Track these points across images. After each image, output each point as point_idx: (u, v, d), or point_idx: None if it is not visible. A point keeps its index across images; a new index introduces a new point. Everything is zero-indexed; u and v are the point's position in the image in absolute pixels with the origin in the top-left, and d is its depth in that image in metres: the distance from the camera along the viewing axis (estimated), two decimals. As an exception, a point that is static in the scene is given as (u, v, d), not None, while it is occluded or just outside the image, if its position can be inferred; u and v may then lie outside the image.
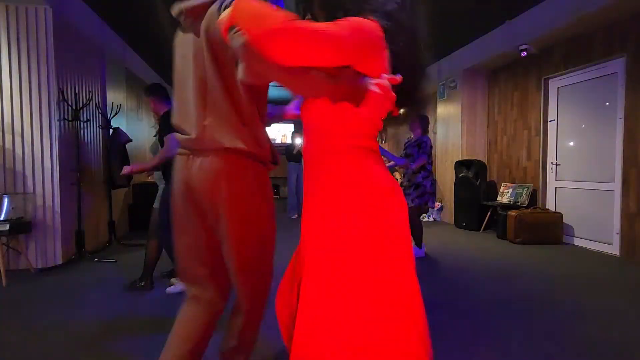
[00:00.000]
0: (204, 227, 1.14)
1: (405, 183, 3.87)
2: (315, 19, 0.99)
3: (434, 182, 3.84)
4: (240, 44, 0.78)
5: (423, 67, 1.03)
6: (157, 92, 2.79)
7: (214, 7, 1.03)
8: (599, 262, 3.58)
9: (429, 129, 7.24)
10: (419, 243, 3.79)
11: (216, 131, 1.05)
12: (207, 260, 1.16)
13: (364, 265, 0.86)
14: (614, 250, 3.82)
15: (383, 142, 9.81)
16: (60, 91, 3.43)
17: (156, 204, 2.82)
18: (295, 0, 1.04)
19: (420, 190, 3.73)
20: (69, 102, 3.59)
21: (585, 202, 4.23)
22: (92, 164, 4.08)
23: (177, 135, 1.15)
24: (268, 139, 1.14)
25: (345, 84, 0.86)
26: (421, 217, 6.36)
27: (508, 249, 4.12)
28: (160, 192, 2.84)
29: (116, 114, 4.35)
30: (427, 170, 3.78)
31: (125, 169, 2.69)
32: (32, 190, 3.33)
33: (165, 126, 2.63)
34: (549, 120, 4.70)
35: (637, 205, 3.56)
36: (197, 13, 1.06)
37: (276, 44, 0.73)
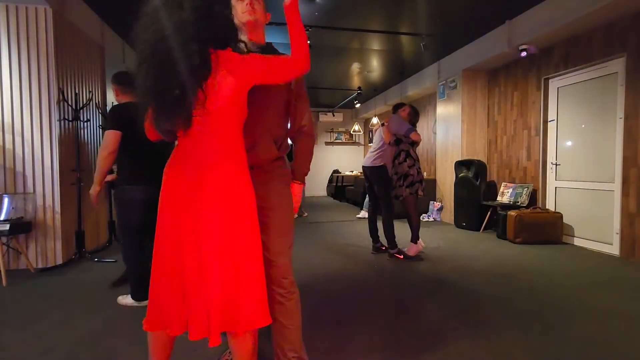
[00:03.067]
0: None
1: (394, 176, 3.88)
2: None
3: (420, 170, 3.86)
4: None
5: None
6: (119, 81, 2.54)
7: None
8: (599, 262, 3.58)
9: (430, 128, 7.26)
10: (414, 238, 3.83)
11: None
12: None
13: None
14: (614, 250, 3.82)
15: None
16: (60, 91, 3.43)
17: None
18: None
19: (408, 179, 3.78)
20: (69, 102, 3.59)
21: (585, 202, 4.23)
22: (92, 164, 4.08)
23: None
24: None
25: None
26: (421, 216, 6.38)
27: (508, 249, 4.12)
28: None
29: (116, 114, 4.35)
30: (412, 158, 3.83)
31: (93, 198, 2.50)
32: (32, 190, 3.33)
33: (110, 118, 2.40)
34: (549, 120, 4.70)
35: (637, 205, 3.56)
36: None
37: None
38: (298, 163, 1.54)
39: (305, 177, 1.56)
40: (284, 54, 1.50)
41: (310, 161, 1.56)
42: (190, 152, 1.22)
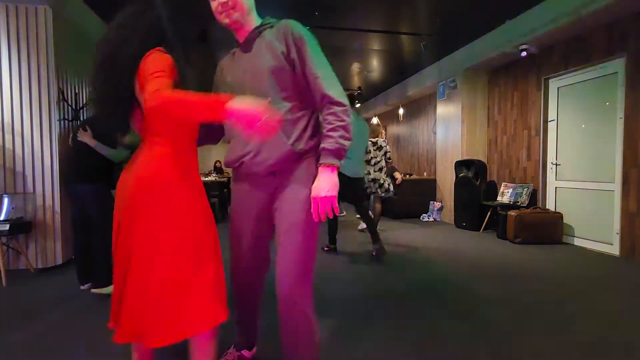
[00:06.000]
0: None
1: None
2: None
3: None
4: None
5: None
6: None
7: None
8: (599, 262, 3.58)
9: (430, 128, 7.26)
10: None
11: None
12: None
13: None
14: (614, 250, 3.82)
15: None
16: (60, 91, 3.43)
17: None
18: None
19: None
20: (69, 102, 3.59)
21: (585, 202, 4.23)
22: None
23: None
24: None
25: None
26: (421, 216, 6.39)
27: (508, 249, 4.12)
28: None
29: (116, 114, 4.35)
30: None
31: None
32: (32, 190, 3.33)
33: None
34: (549, 120, 4.70)
35: (637, 205, 3.56)
36: None
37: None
38: None
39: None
40: None
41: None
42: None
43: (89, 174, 2.72)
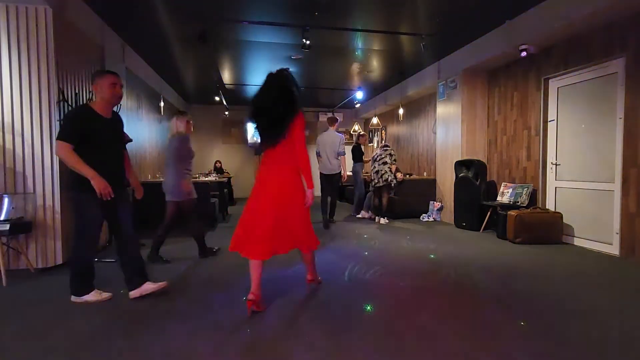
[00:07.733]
0: None
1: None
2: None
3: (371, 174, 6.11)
4: None
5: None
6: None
7: None
8: (599, 262, 3.58)
9: (430, 128, 7.27)
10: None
11: None
12: None
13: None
14: (614, 250, 3.82)
15: (383, 141, 9.80)
16: (60, 91, 3.43)
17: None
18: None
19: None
20: (69, 102, 3.59)
21: (585, 202, 4.23)
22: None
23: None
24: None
25: None
26: (421, 216, 6.40)
27: (508, 249, 4.12)
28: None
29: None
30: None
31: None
32: (32, 190, 3.33)
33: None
34: (549, 120, 4.70)
35: (637, 205, 3.56)
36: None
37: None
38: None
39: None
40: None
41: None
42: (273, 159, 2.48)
43: (75, 182, 2.48)
